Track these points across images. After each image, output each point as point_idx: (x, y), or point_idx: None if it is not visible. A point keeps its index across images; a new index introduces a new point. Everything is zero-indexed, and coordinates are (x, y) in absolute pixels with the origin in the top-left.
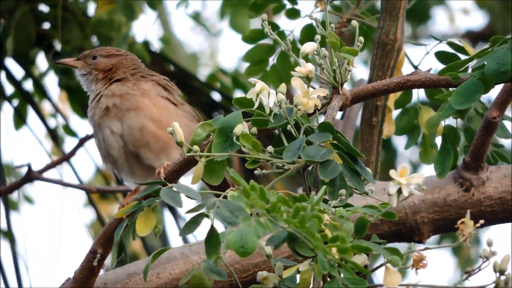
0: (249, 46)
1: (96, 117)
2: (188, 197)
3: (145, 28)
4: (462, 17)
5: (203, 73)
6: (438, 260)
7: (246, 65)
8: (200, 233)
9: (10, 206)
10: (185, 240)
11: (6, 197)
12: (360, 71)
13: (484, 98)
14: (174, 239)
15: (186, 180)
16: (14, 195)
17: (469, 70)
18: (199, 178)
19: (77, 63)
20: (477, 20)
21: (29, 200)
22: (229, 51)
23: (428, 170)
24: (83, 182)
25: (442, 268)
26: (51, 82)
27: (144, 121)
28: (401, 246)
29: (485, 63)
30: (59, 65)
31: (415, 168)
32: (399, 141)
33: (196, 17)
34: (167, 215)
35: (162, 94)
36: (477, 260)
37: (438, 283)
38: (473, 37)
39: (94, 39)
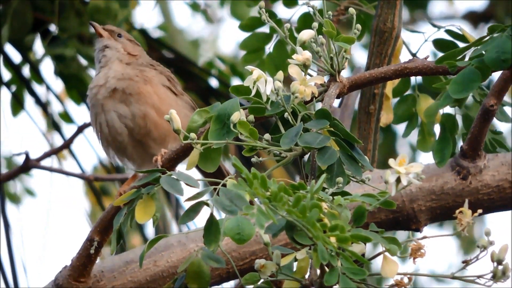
0: (246, 34)
1: (100, 97)
2: (187, 184)
3: (145, 14)
4: None
5: (202, 60)
6: (440, 242)
7: (243, 53)
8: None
9: (10, 198)
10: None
11: (2, 186)
12: (362, 56)
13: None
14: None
15: (181, 167)
16: (14, 187)
17: (467, 58)
18: (194, 164)
19: (104, 33)
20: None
21: (30, 192)
22: (230, 38)
23: (426, 158)
24: (84, 171)
25: (444, 249)
26: (48, 68)
27: (146, 108)
28: (399, 234)
29: (484, 51)
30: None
31: (414, 151)
32: (399, 125)
33: (195, 6)
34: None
35: (164, 83)
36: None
37: (440, 265)
38: (474, 18)
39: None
